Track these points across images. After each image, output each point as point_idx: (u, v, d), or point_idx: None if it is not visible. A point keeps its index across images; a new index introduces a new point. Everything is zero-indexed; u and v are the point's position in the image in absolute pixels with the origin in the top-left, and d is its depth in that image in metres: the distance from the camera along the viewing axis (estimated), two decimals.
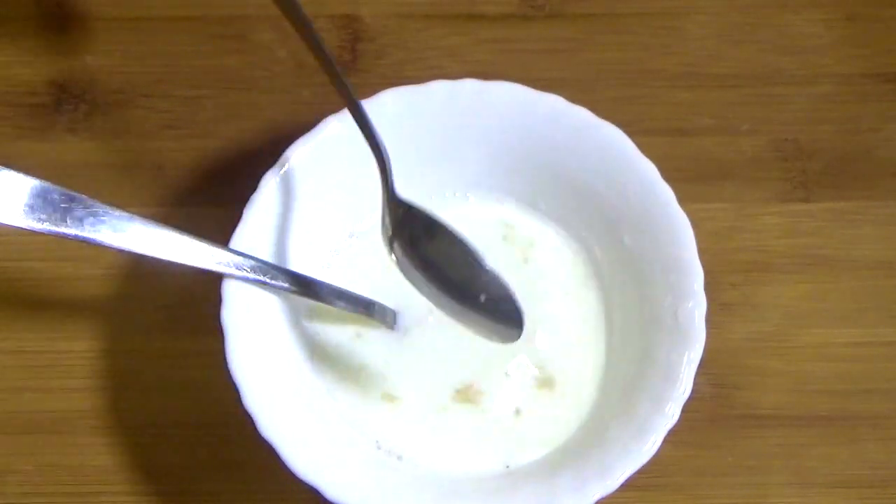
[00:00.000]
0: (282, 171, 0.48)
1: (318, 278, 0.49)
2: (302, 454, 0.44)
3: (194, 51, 0.60)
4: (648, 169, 0.49)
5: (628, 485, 0.44)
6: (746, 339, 0.54)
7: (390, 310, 0.50)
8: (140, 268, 0.55)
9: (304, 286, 0.47)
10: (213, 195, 0.56)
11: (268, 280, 0.46)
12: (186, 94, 0.59)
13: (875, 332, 0.54)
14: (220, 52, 0.60)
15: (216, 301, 0.46)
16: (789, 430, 0.53)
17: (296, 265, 0.48)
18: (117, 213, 0.43)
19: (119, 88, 0.59)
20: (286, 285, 0.47)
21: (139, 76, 0.59)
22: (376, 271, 0.51)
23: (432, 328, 0.50)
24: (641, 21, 0.61)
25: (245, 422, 0.44)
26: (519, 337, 0.43)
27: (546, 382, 0.49)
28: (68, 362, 0.53)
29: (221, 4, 0.61)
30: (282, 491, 0.50)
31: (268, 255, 0.47)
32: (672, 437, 0.45)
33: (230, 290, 0.46)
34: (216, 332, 0.45)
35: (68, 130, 0.58)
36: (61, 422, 0.52)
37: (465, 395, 0.49)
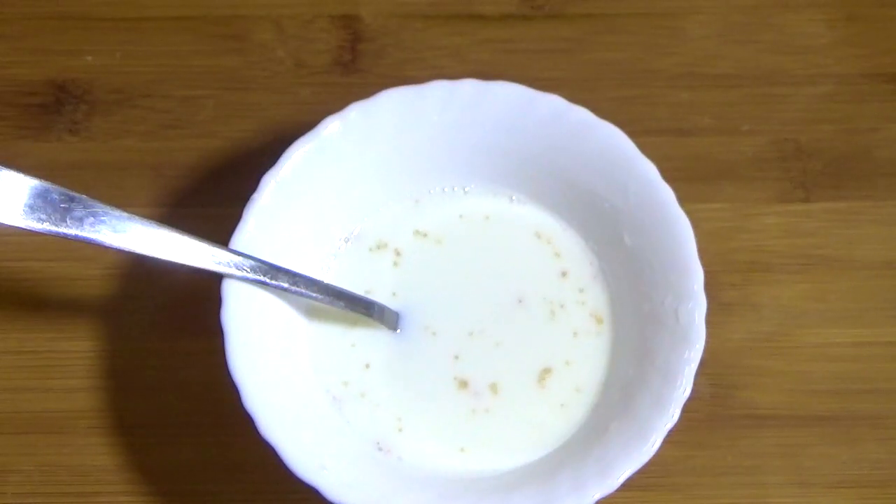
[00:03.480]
0: (281, 172, 0.48)
1: (319, 278, 0.49)
2: (302, 455, 0.44)
3: (194, 51, 0.60)
4: (648, 169, 0.49)
5: (628, 485, 0.44)
6: (746, 339, 0.54)
7: (391, 310, 0.50)
8: (140, 268, 0.55)
9: (304, 286, 0.47)
10: (212, 195, 0.56)
11: (267, 280, 0.46)
12: (186, 94, 0.59)
13: (875, 332, 0.54)
14: (219, 52, 0.60)
15: (216, 301, 0.46)
16: (789, 430, 0.53)
17: (296, 266, 0.48)
18: (117, 213, 0.43)
19: (119, 88, 0.59)
20: (286, 285, 0.47)
21: (139, 76, 0.59)
22: (376, 273, 0.51)
23: (433, 329, 0.50)
24: (641, 21, 0.61)
25: (245, 422, 0.44)
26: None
27: (548, 382, 0.49)
28: (68, 362, 0.53)
29: (221, 4, 0.61)
30: (281, 491, 0.50)
31: (267, 256, 0.47)
32: (672, 437, 0.45)
33: (230, 290, 0.46)
34: (216, 332, 0.45)
35: (68, 130, 0.58)
36: (61, 422, 0.52)
37: (466, 395, 0.49)
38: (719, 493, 0.52)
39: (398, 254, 0.51)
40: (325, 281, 0.49)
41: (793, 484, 0.52)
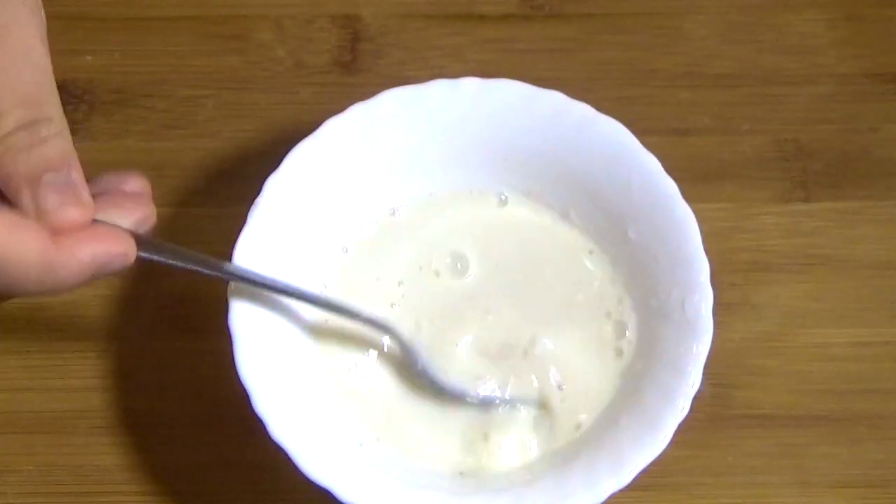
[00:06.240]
0: (285, 175, 0.48)
1: (318, 293, 0.48)
2: (314, 457, 0.44)
3: (194, 51, 0.60)
4: (651, 162, 0.49)
5: (629, 484, 0.44)
6: (746, 339, 0.54)
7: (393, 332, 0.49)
8: (140, 268, 0.54)
9: (306, 299, 0.47)
10: (213, 195, 0.56)
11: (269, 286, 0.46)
12: (186, 94, 0.59)
13: (875, 332, 0.54)
14: (219, 52, 0.60)
15: (218, 301, 0.46)
16: (789, 430, 0.53)
17: (299, 272, 0.48)
18: None
19: (119, 88, 0.59)
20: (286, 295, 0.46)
21: (139, 76, 0.59)
22: (380, 270, 0.51)
23: (437, 330, 0.50)
24: (641, 21, 0.61)
25: (246, 422, 0.44)
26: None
27: (554, 380, 0.49)
28: (68, 362, 0.53)
29: (221, 4, 0.61)
30: (284, 490, 0.50)
31: (273, 258, 0.47)
32: (672, 436, 0.45)
33: (235, 294, 0.46)
34: (217, 332, 0.45)
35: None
36: (61, 422, 0.52)
37: (477, 395, 0.49)
38: (719, 493, 0.52)
39: (402, 251, 0.51)
40: (326, 296, 0.49)
41: (793, 484, 0.52)
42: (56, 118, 0.38)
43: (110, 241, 0.37)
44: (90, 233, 0.37)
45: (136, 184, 0.42)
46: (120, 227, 0.38)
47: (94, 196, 0.38)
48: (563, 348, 0.49)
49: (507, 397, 0.49)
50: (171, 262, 0.42)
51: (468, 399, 0.49)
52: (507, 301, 0.50)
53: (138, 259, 0.39)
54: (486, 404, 0.49)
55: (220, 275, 0.45)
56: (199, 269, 0.43)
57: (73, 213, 0.37)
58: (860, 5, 0.61)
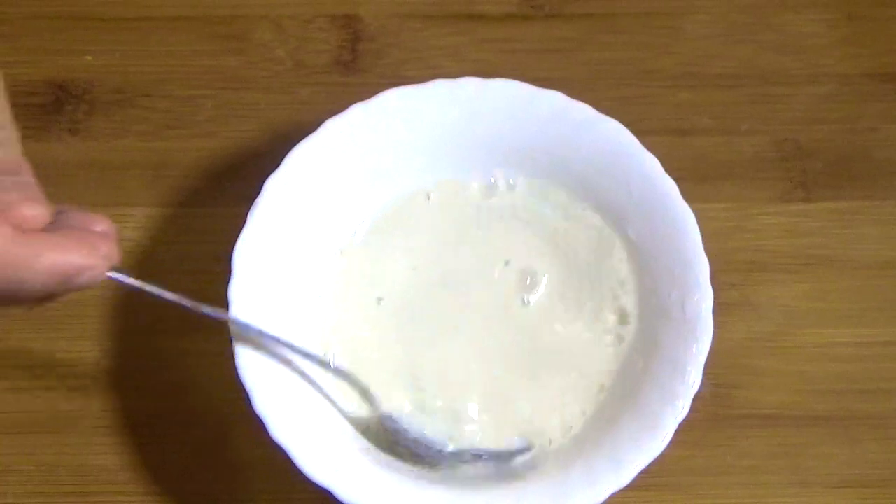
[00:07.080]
0: (285, 174, 0.48)
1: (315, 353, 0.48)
2: (314, 457, 0.44)
3: (194, 51, 0.60)
4: (650, 162, 0.49)
5: (629, 484, 0.44)
6: (746, 339, 0.54)
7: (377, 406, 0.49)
8: (140, 268, 0.54)
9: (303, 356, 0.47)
10: (212, 195, 0.56)
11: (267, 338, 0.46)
12: (186, 94, 0.59)
13: (875, 332, 0.54)
14: (219, 52, 0.60)
15: (218, 301, 0.46)
16: (789, 430, 0.53)
17: (302, 265, 0.48)
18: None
19: (119, 88, 0.59)
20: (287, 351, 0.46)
21: (139, 76, 0.59)
22: (381, 270, 0.51)
23: (439, 332, 0.50)
24: (641, 21, 0.61)
25: (245, 422, 0.44)
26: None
27: (553, 379, 0.49)
28: (68, 362, 0.53)
29: (221, 4, 0.61)
30: (283, 491, 0.50)
31: (272, 258, 0.47)
32: (672, 436, 0.45)
33: (235, 293, 0.46)
34: (217, 333, 0.45)
35: (68, 130, 0.58)
36: (61, 422, 0.52)
37: (472, 388, 0.49)
38: (719, 493, 0.52)
39: (403, 250, 0.51)
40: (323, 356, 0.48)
41: (793, 484, 0.52)
42: (7, 125, 0.38)
43: (79, 251, 0.36)
44: (60, 237, 0.36)
45: (102, 226, 0.39)
46: (95, 240, 0.37)
47: (59, 229, 0.37)
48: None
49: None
50: (150, 291, 0.41)
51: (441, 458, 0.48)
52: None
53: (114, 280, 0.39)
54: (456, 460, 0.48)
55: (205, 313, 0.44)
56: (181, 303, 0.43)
57: (34, 209, 0.36)
58: (860, 5, 0.61)
